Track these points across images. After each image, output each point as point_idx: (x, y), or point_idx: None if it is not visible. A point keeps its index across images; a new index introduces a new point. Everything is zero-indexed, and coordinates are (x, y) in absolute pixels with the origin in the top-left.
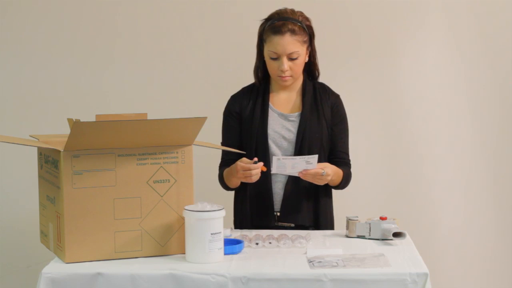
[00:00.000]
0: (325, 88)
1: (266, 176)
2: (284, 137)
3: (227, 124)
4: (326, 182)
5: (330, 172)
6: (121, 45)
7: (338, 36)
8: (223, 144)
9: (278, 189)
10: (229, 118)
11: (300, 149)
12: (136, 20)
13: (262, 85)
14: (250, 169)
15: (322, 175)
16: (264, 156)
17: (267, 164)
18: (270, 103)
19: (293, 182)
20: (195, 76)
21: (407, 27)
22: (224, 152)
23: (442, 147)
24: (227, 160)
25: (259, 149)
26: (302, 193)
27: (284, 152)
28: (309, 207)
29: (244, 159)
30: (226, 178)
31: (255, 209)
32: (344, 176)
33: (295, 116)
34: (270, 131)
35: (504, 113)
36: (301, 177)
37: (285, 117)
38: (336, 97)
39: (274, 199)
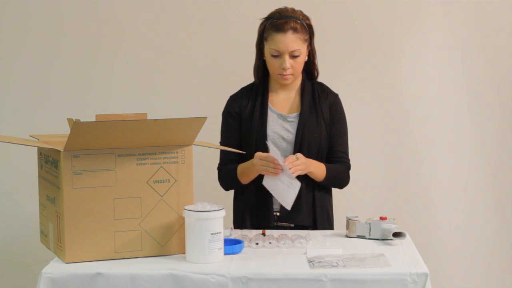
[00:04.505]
0: (323, 88)
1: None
2: (283, 138)
3: (226, 124)
4: (305, 168)
5: (304, 160)
6: (121, 45)
7: (338, 36)
8: (221, 144)
9: None
10: (228, 118)
11: (299, 149)
12: (136, 20)
13: (261, 84)
14: (267, 160)
15: (297, 159)
16: None
17: None
18: (269, 104)
19: None
20: (195, 76)
21: (407, 27)
22: (223, 152)
23: (442, 147)
24: (228, 161)
25: (258, 150)
26: (301, 193)
27: (283, 152)
28: (308, 207)
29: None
30: (240, 173)
31: (254, 209)
32: (331, 171)
33: (293, 117)
34: (269, 132)
35: (504, 113)
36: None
37: (284, 117)
38: (335, 96)
39: (274, 199)
